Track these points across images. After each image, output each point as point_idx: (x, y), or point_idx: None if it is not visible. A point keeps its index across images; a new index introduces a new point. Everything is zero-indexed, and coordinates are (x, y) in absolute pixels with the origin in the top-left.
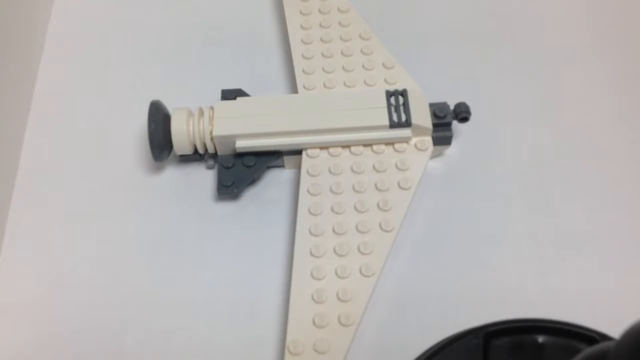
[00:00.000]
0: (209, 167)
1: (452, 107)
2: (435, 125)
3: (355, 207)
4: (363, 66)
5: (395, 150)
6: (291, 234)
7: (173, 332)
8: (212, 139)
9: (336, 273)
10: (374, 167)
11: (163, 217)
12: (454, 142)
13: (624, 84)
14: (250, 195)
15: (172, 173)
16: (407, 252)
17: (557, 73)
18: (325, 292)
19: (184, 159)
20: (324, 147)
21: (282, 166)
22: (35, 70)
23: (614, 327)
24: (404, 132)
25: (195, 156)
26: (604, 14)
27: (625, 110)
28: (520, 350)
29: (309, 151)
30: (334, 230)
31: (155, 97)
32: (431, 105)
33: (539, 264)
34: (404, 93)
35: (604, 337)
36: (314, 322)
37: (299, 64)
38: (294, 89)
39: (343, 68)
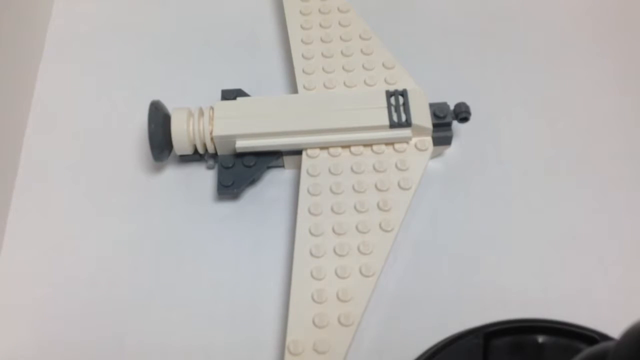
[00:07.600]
0: (209, 167)
1: (452, 107)
2: (435, 125)
3: (355, 207)
4: (363, 66)
5: (395, 150)
6: (291, 234)
7: (173, 332)
8: (212, 139)
9: (336, 273)
10: (374, 167)
11: (163, 217)
12: (454, 142)
13: (625, 83)
14: (250, 195)
15: (172, 173)
16: (407, 252)
17: (557, 73)
18: (325, 292)
19: (184, 159)
20: (324, 147)
21: (282, 166)
22: (35, 70)
23: (614, 327)
24: (404, 132)
25: (195, 156)
26: (604, 13)
27: (625, 110)
28: (520, 350)
29: (309, 151)
30: (334, 230)
31: (155, 97)
32: (431, 105)
33: (539, 264)
34: (404, 93)
35: (604, 337)
36: (314, 322)
37: (299, 64)
38: (294, 89)
39: (343, 68)
